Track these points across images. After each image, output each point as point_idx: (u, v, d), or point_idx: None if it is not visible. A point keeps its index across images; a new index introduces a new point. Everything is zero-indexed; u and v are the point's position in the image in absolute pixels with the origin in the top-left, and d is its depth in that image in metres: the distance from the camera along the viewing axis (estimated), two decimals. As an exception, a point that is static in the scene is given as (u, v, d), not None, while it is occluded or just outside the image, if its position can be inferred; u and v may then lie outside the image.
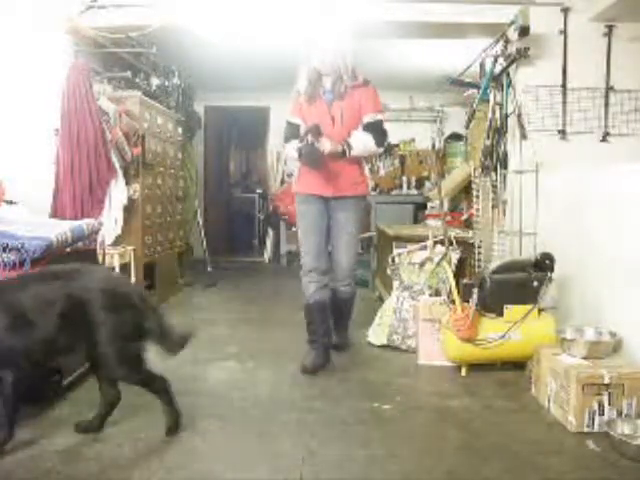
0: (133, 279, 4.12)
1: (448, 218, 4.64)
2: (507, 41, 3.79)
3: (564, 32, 3.85)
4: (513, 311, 2.91)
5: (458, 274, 3.48)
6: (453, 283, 3.08)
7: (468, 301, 2.94)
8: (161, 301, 4.68)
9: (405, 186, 7.12)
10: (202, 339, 3.67)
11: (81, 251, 2.92)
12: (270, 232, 7.58)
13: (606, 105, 3.87)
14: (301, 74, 3.05)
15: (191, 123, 5.92)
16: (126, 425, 2.29)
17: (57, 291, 2.04)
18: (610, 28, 3.84)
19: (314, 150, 2.86)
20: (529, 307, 2.91)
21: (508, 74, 3.87)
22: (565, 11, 3.84)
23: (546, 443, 2.23)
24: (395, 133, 6.72)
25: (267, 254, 7.60)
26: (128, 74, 4.50)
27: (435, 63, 5.65)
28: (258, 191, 8.91)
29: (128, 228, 4.20)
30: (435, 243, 3.63)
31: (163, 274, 4.82)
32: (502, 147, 3.93)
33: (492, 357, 2.95)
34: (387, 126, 3.09)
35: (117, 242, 4.07)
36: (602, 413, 2.28)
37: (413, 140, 7.41)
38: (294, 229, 6.29)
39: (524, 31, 3.63)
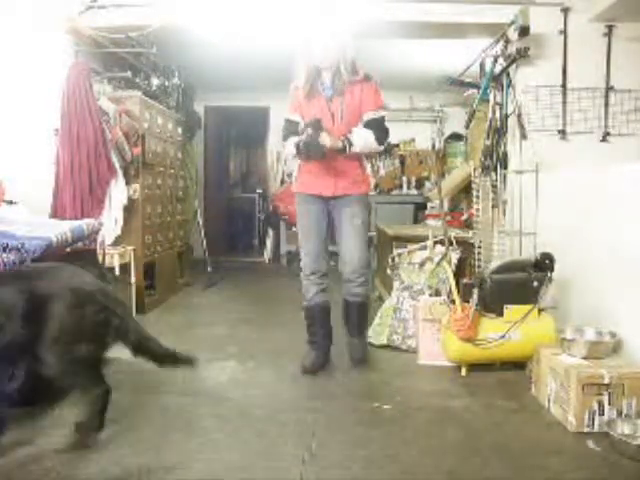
0: (133, 279, 4.13)
1: (448, 218, 4.65)
2: (507, 41, 3.79)
3: (564, 32, 3.86)
4: (513, 311, 2.91)
5: (458, 274, 3.47)
6: (453, 283, 3.08)
7: (468, 301, 2.94)
8: (161, 301, 4.69)
9: (405, 186, 7.13)
10: (202, 339, 3.69)
11: (81, 251, 2.92)
12: (270, 232, 7.58)
13: (606, 105, 3.88)
14: (299, 69, 2.96)
15: (191, 123, 5.92)
16: (126, 425, 2.29)
17: (19, 291, 2.00)
18: (610, 28, 3.85)
19: (313, 140, 2.76)
20: (529, 307, 2.91)
21: (508, 74, 3.88)
22: (565, 11, 3.84)
23: (546, 443, 2.22)
24: (395, 133, 6.69)
25: (267, 254, 7.60)
26: (128, 74, 4.51)
27: (435, 63, 5.65)
28: (258, 191, 8.89)
29: (128, 228, 4.20)
30: (435, 243, 3.63)
31: (163, 274, 4.82)
32: (502, 147, 3.93)
33: (492, 357, 2.95)
34: (387, 125, 3.02)
35: (117, 242, 4.07)
36: (602, 413, 2.28)
37: (413, 140, 7.41)
38: (294, 229, 6.26)
39: (524, 31, 3.63)
